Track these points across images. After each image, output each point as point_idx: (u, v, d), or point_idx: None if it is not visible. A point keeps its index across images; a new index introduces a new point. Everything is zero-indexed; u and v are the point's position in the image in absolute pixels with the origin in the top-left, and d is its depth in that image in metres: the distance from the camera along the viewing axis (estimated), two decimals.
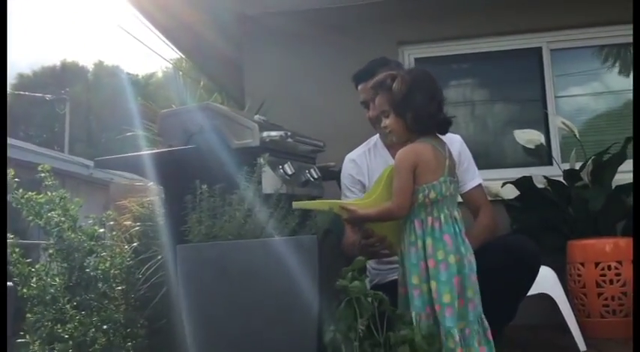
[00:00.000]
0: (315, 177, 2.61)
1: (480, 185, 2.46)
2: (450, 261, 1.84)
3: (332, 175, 2.89)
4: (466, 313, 1.86)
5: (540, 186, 3.52)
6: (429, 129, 1.98)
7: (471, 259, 1.90)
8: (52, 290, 2.76)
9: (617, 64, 4.36)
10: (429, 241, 1.88)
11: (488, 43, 4.33)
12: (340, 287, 1.82)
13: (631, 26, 4.02)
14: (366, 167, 2.53)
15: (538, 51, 4.30)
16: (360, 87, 2.53)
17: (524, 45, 4.33)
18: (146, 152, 2.56)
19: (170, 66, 5.36)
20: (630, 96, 4.31)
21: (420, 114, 1.94)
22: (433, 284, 1.83)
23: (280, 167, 2.35)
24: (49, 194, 2.89)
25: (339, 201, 2.16)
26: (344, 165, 2.60)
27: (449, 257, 1.85)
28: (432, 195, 1.90)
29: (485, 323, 1.92)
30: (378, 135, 2.59)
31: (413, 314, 1.85)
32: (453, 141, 2.45)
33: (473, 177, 2.45)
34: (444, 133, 2.01)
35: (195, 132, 2.37)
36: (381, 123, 2.09)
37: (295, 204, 2.01)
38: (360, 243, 2.12)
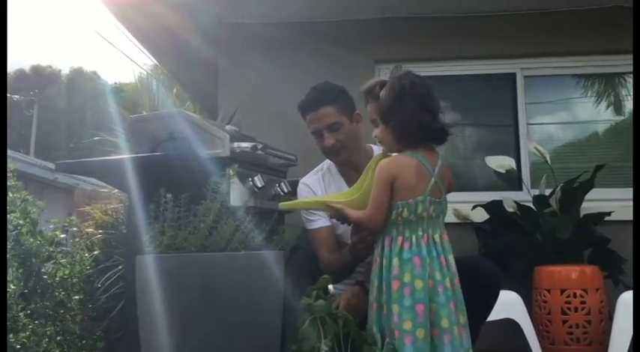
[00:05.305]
0: (285, 191, 2.56)
1: None
2: (416, 286, 1.74)
3: None
4: (440, 345, 1.74)
5: (510, 210, 3.53)
6: (420, 141, 1.86)
7: (449, 285, 1.78)
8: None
9: (589, 94, 4.41)
10: (395, 261, 1.78)
11: (463, 66, 4.35)
12: (304, 306, 1.77)
13: (604, 57, 4.17)
14: (321, 193, 2.47)
15: (512, 77, 4.33)
16: (308, 117, 2.43)
17: (499, 70, 4.36)
18: (110, 157, 2.48)
19: (144, 73, 5.27)
20: (599, 126, 4.40)
21: (407, 124, 1.83)
22: (395, 307, 1.74)
23: (250, 179, 2.30)
24: (11, 195, 2.78)
25: (324, 198, 2.11)
26: (299, 189, 2.55)
27: (415, 281, 1.74)
28: (405, 213, 1.80)
29: None
30: (328, 161, 2.56)
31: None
32: None
33: None
34: (440, 143, 1.90)
35: (164, 139, 2.31)
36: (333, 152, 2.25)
37: (282, 205, 2.02)
38: (352, 241, 2.11)
